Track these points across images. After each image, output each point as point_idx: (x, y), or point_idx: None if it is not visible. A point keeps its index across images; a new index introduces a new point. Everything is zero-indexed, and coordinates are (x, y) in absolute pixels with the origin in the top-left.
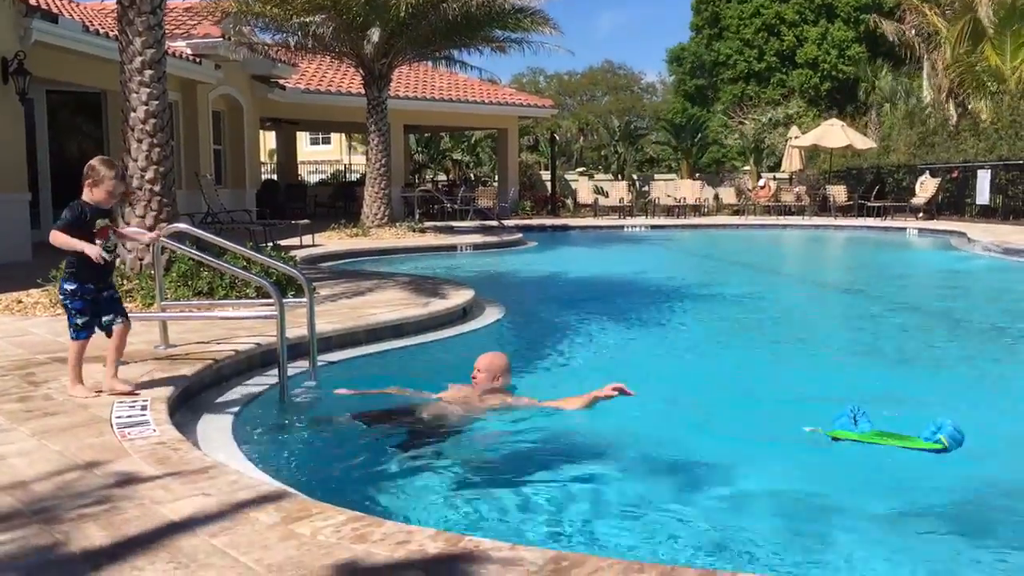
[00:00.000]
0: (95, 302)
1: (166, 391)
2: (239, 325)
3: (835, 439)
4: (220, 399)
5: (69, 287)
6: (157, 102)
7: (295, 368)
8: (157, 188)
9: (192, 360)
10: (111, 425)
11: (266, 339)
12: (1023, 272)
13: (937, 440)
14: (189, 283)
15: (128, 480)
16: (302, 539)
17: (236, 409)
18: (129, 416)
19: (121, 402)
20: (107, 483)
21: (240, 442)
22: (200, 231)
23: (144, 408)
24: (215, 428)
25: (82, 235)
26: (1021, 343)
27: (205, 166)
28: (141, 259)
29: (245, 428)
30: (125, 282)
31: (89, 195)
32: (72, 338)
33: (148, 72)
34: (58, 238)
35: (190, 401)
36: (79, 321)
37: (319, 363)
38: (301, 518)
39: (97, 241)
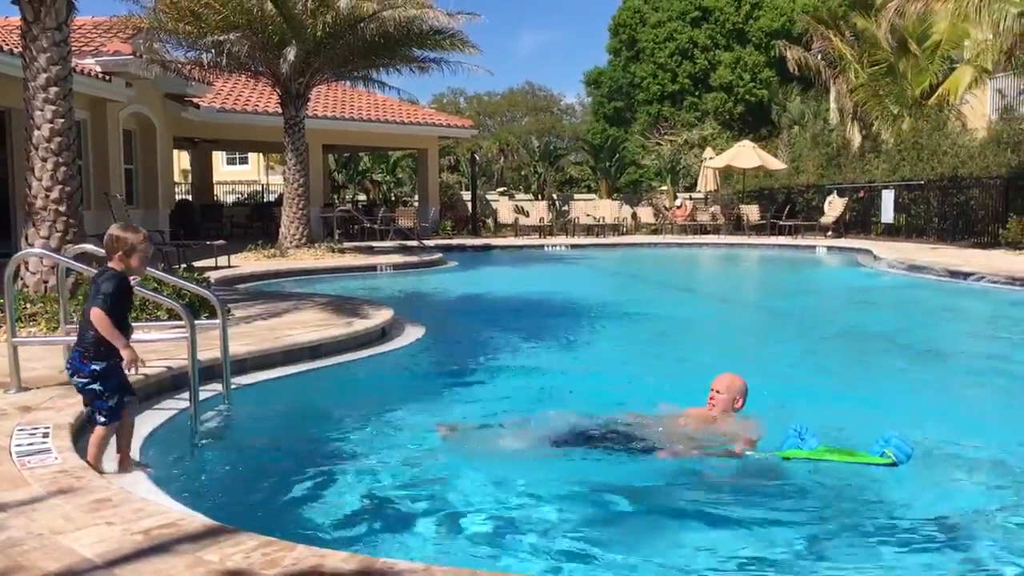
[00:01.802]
0: (122, 376)
1: (69, 417)
2: (149, 348)
3: (786, 459)
4: None
5: (97, 367)
6: (63, 120)
7: (208, 391)
8: (62, 208)
9: None
10: (10, 454)
11: (177, 362)
12: (926, 287)
13: (884, 454)
14: None
15: (27, 510)
16: (210, 566)
17: (145, 434)
18: (30, 444)
19: (21, 429)
20: (4, 514)
21: (148, 468)
22: None
23: (46, 435)
24: None
25: (123, 311)
26: (928, 356)
27: (115, 186)
28: (46, 282)
29: (153, 454)
30: (28, 305)
31: (121, 266)
32: (101, 423)
33: (53, 89)
34: (103, 321)
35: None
36: (112, 403)
37: (233, 386)
38: (210, 545)
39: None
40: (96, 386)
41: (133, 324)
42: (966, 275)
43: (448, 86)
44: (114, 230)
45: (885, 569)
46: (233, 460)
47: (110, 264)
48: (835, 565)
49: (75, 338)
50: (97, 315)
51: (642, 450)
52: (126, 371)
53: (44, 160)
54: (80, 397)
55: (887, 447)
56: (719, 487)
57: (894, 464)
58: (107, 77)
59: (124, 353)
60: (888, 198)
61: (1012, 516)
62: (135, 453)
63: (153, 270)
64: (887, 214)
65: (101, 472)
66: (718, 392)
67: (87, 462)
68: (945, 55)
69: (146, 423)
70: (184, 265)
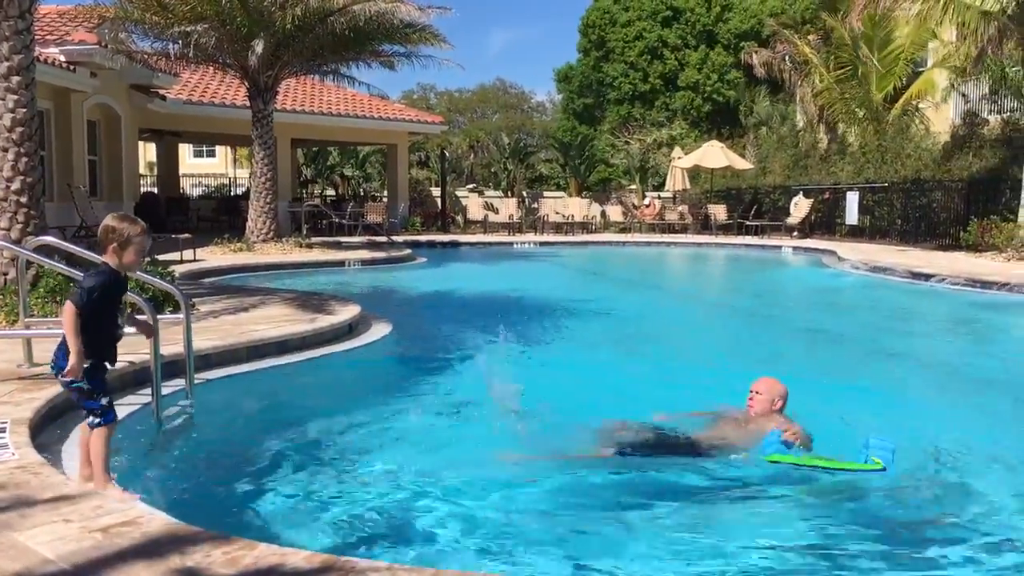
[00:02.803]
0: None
1: (28, 412)
2: None
3: (773, 462)
4: None
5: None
6: (25, 110)
7: (171, 387)
8: (24, 199)
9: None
10: None
11: (140, 357)
12: (888, 288)
13: (870, 460)
14: (58, 299)
15: None
16: (170, 565)
17: None
18: None
19: None
20: None
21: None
22: (69, 244)
23: (3, 430)
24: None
25: (107, 308)
26: (886, 355)
27: (79, 177)
28: (5, 274)
29: (115, 450)
30: None
31: (115, 260)
32: (96, 424)
33: (15, 78)
34: (69, 317)
35: (56, 422)
36: (104, 401)
37: (197, 381)
38: (170, 543)
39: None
40: (83, 384)
41: None
42: (927, 276)
43: (418, 82)
44: (110, 220)
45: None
46: (195, 457)
47: (103, 258)
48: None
49: (34, 332)
50: (66, 309)
51: (675, 451)
52: (57, 376)
53: (5, 150)
54: (47, 395)
55: (870, 451)
56: (759, 486)
57: (883, 469)
58: (71, 67)
59: (71, 358)
60: (853, 200)
61: (967, 503)
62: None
63: None
64: (852, 215)
65: (110, 483)
66: (758, 393)
67: (96, 476)
68: (909, 58)
69: None
70: (148, 258)
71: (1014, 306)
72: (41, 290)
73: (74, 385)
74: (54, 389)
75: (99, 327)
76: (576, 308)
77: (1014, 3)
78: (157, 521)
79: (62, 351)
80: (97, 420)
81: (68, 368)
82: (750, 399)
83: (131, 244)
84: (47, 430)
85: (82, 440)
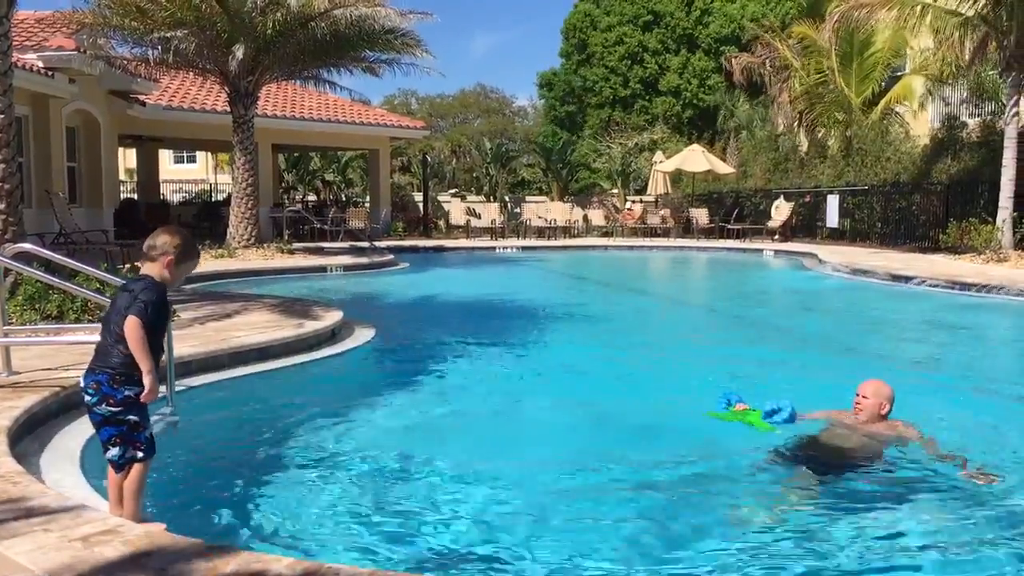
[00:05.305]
0: None
1: (6, 421)
2: (91, 350)
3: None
4: (67, 428)
5: (131, 393)
6: (2, 116)
7: None
8: (1, 206)
9: (37, 388)
10: None
11: None
12: (869, 290)
13: (775, 422)
14: (37, 306)
15: None
16: (150, 573)
17: (85, 439)
18: None
19: None
20: None
21: (88, 474)
22: (48, 252)
23: None
24: (61, 459)
25: (158, 329)
26: (866, 355)
27: (57, 184)
28: None
29: (94, 459)
30: None
31: (161, 273)
32: (140, 459)
33: None
34: (137, 333)
35: (35, 431)
36: (148, 433)
37: (178, 388)
38: (150, 552)
39: None
40: (133, 416)
41: (75, 326)
42: (907, 279)
43: (399, 87)
44: (171, 233)
45: None
46: (176, 464)
47: (148, 268)
48: None
49: (12, 340)
50: (132, 324)
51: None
52: (99, 406)
53: None
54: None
55: (777, 413)
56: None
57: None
58: (49, 73)
59: (146, 379)
60: (833, 203)
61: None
62: (76, 459)
63: (95, 271)
64: (832, 219)
65: (143, 520)
66: (864, 397)
67: (132, 515)
68: (887, 64)
69: (87, 427)
70: (128, 265)
71: (993, 307)
72: (19, 298)
73: (123, 417)
74: (32, 398)
75: (151, 349)
76: (557, 313)
77: (989, 5)
78: (138, 529)
79: (105, 375)
80: (142, 454)
81: (147, 391)
82: (856, 403)
83: (186, 261)
84: (26, 439)
85: (112, 479)
